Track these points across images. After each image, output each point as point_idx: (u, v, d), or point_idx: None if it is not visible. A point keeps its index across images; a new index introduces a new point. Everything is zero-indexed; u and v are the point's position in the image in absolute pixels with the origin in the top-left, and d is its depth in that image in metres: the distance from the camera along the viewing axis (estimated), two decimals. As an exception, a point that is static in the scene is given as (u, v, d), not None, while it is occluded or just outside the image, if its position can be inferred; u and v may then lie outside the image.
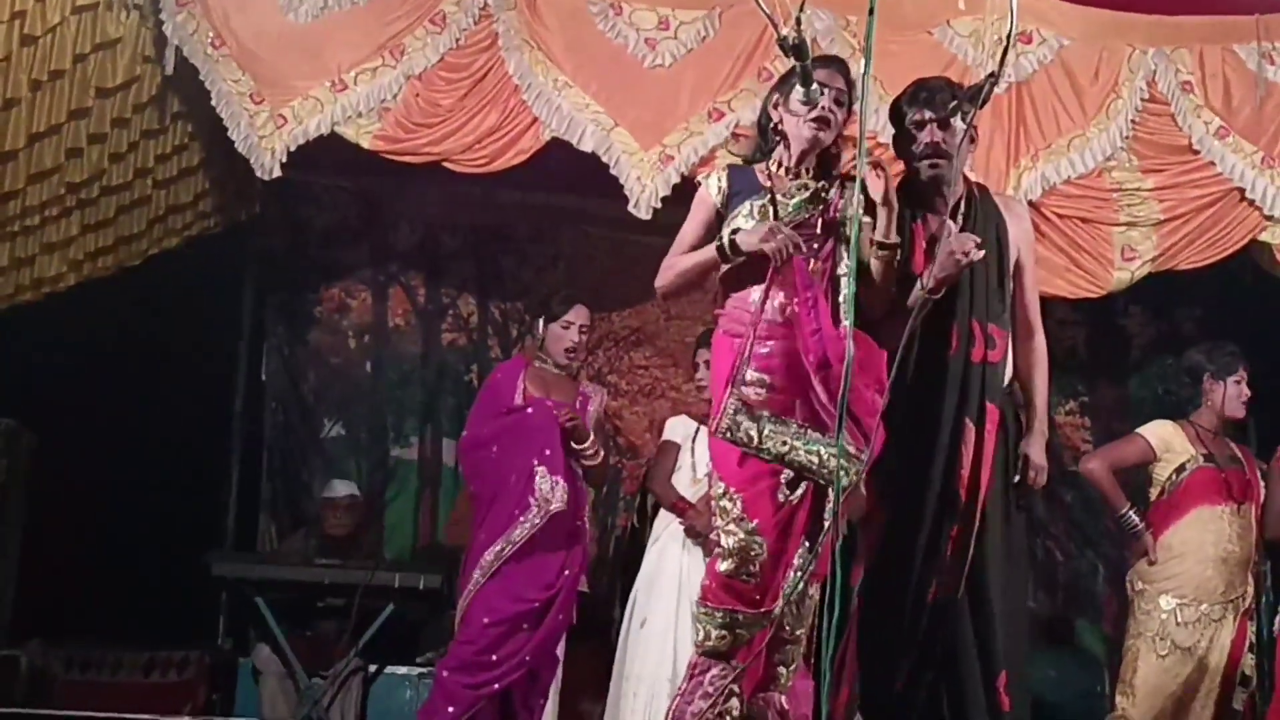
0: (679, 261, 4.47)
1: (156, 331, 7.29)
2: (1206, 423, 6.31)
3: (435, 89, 6.43)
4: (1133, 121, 6.70)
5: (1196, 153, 6.73)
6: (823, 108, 4.39)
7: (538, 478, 5.88)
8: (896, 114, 4.84)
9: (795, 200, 4.41)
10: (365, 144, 6.42)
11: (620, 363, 8.32)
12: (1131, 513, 6.12)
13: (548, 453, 5.92)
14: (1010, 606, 4.68)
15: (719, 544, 4.26)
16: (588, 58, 6.51)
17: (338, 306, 8.47)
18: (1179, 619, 6.09)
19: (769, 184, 4.43)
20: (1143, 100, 6.72)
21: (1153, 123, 6.74)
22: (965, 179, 4.81)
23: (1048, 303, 6.47)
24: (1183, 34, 6.81)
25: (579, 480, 6.02)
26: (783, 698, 4.32)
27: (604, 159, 6.38)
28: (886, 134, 6.26)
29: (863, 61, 4.14)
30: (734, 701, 4.27)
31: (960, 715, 4.55)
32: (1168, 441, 6.25)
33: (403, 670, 7.13)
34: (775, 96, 4.50)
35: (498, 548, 5.83)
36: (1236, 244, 6.78)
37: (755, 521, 4.21)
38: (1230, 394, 6.30)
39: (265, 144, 6.30)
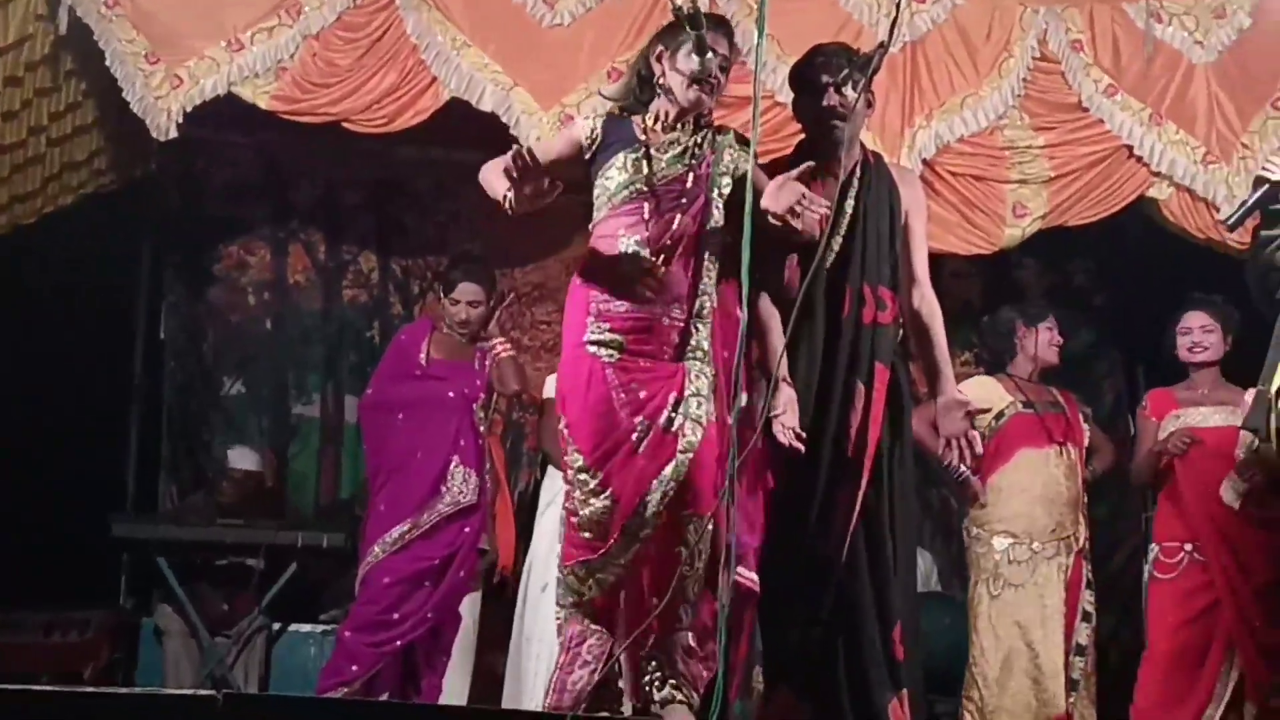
0: (489, 173, 4.43)
1: (52, 290, 7.21)
2: (1023, 372, 6.59)
3: (333, 49, 6.39)
4: (1024, 80, 6.77)
5: (1086, 110, 6.82)
6: (714, 76, 4.43)
7: (451, 468, 5.95)
8: (795, 78, 4.89)
9: (669, 155, 4.44)
10: (263, 104, 6.37)
11: (523, 318, 8.34)
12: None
13: (462, 443, 5.99)
14: (903, 559, 4.79)
15: (576, 513, 4.32)
16: (486, 17, 6.48)
17: (237, 264, 8.42)
18: (1011, 557, 6.31)
19: (643, 137, 4.45)
20: (1034, 59, 6.79)
21: (1044, 81, 6.83)
22: (861, 146, 4.87)
23: (941, 258, 6.63)
24: (1073, -8, 6.91)
25: (487, 461, 6.08)
26: (688, 635, 4.35)
27: (503, 119, 6.37)
28: (784, 94, 6.41)
29: (757, 21, 4.20)
30: (615, 668, 4.34)
31: (856, 667, 4.64)
32: (984, 397, 6.34)
33: (306, 628, 7.14)
34: (659, 49, 4.50)
35: (403, 528, 5.89)
36: (1125, 200, 6.88)
37: (610, 490, 4.27)
38: (1042, 340, 6.58)
39: (161, 104, 6.24)
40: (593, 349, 4.31)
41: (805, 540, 4.62)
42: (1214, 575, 6.18)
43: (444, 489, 5.96)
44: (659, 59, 4.49)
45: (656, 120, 4.48)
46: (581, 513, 4.30)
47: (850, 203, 4.73)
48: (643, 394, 4.29)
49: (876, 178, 4.81)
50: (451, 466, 5.98)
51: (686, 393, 4.30)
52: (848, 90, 4.70)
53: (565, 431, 4.37)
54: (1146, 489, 6.71)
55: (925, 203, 5.10)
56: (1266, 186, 4.76)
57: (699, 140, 4.48)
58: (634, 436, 4.28)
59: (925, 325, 4.85)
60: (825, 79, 4.74)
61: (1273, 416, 4.59)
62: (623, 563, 4.28)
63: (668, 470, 4.26)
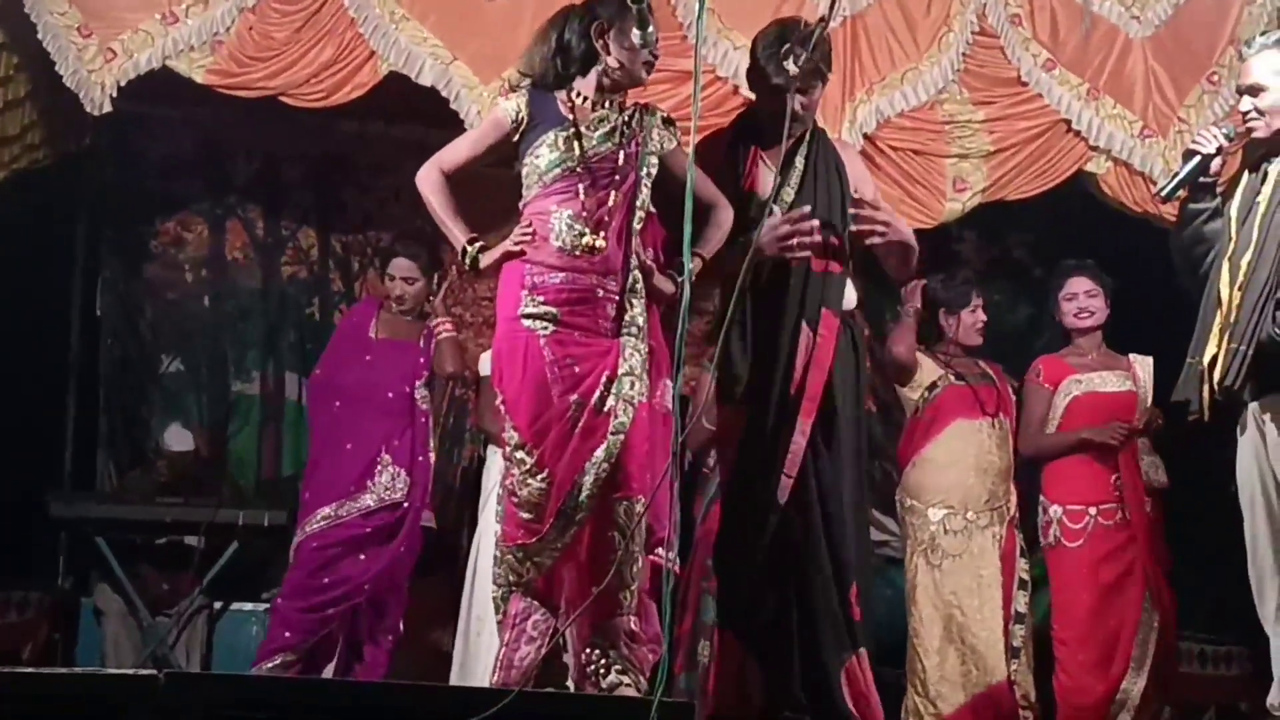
0: (436, 199, 4.49)
1: (-14, 267, 7.14)
2: (948, 351, 6.64)
3: (269, 22, 6.30)
4: (964, 54, 6.77)
5: (1025, 85, 6.85)
6: (652, 53, 4.44)
7: (379, 466, 5.94)
8: (755, 53, 4.98)
9: (600, 133, 4.45)
10: (198, 78, 6.28)
11: (465, 295, 8.31)
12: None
13: (396, 443, 5.98)
14: (858, 516, 4.94)
15: (515, 493, 4.34)
16: (425, -11, 6.46)
17: (174, 240, 8.34)
18: (947, 527, 6.36)
19: (571, 115, 4.45)
20: (973, 33, 6.79)
21: (983, 55, 6.84)
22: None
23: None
24: (1012, -33, 6.93)
25: (425, 452, 6.06)
26: (630, 619, 4.37)
27: (444, 93, 6.33)
28: (725, 68, 6.42)
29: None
30: (560, 643, 4.36)
31: (811, 627, 4.74)
32: (922, 363, 6.55)
33: (248, 607, 7.11)
34: (598, 23, 4.47)
35: (326, 511, 5.88)
36: (1064, 174, 6.93)
37: (547, 471, 4.29)
38: (965, 323, 6.63)
39: (95, 78, 6.14)
40: (527, 322, 4.33)
41: (753, 483, 4.76)
42: (1136, 532, 6.28)
43: (370, 484, 5.96)
44: (598, 34, 4.46)
45: (583, 98, 4.47)
46: (520, 493, 4.33)
47: (800, 160, 4.90)
48: (577, 369, 4.33)
49: (822, 143, 5.01)
50: (379, 466, 5.98)
51: (620, 371, 4.33)
52: (789, 64, 4.77)
53: (502, 408, 4.39)
54: (1035, 460, 6.71)
55: (868, 174, 5.20)
56: (1197, 159, 4.82)
57: (627, 119, 4.51)
58: (569, 415, 4.30)
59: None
60: (775, 53, 4.83)
61: (1205, 387, 4.65)
62: (559, 546, 4.31)
63: (599, 451, 4.29)
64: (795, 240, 4.69)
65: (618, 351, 4.36)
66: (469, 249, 4.43)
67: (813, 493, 4.77)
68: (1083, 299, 6.51)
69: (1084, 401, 6.44)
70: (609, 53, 4.46)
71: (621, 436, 4.30)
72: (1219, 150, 4.82)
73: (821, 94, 5.08)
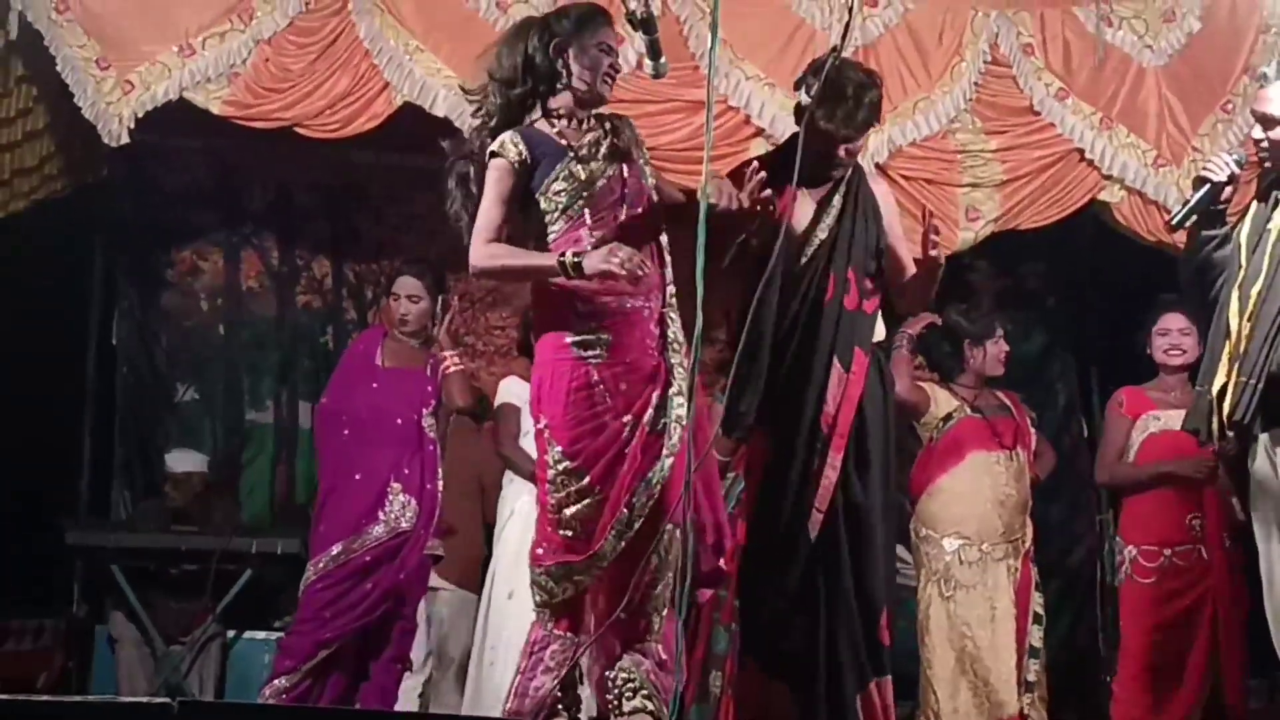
0: (507, 260, 4.36)
1: (4, 296, 7.16)
2: (969, 383, 6.57)
3: (285, 53, 6.38)
4: (976, 84, 6.83)
5: (1038, 114, 6.90)
6: (611, 66, 4.44)
7: (390, 495, 5.94)
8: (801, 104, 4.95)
9: (602, 154, 4.42)
10: (215, 110, 6.36)
11: (476, 324, 8.34)
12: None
13: (406, 471, 5.98)
14: (887, 545, 4.99)
15: (556, 512, 4.30)
16: (439, 21, 6.49)
17: (190, 269, 8.37)
18: (962, 558, 6.32)
19: (564, 142, 4.42)
20: (985, 63, 6.86)
21: (995, 85, 6.89)
22: None
23: (894, 262, 6.65)
24: (1024, -4, 6.97)
25: (434, 480, 6.08)
26: (659, 647, 4.35)
27: (457, 124, 6.34)
28: (736, 98, 6.45)
29: (711, 25, 4.22)
30: (577, 675, 4.35)
31: (834, 655, 4.76)
32: (935, 395, 6.52)
33: (261, 635, 7.10)
34: (557, 41, 4.42)
35: (335, 551, 5.87)
36: (1077, 203, 6.96)
37: (599, 490, 4.27)
38: (990, 355, 6.56)
39: (112, 110, 6.22)
40: (576, 349, 4.30)
41: (781, 517, 4.77)
42: (1205, 572, 6.19)
43: (381, 515, 5.94)
44: (558, 51, 4.43)
45: (567, 120, 4.46)
46: (565, 512, 4.27)
47: (838, 197, 4.91)
48: (629, 391, 4.30)
49: (860, 179, 5.02)
50: (390, 494, 5.97)
51: (670, 390, 4.32)
52: (801, 94, 4.80)
53: (545, 432, 4.35)
54: (1112, 490, 6.68)
55: (894, 204, 5.23)
56: (1208, 187, 4.81)
57: (611, 131, 4.49)
58: (623, 436, 4.28)
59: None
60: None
61: (1214, 417, 4.64)
62: (604, 565, 4.28)
63: (654, 472, 4.26)
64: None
65: (665, 369, 4.35)
66: (564, 260, 4.24)
67: (841, 525, 4.79)
68: (1175, 336, 6.33)
69: (1160, 440, 6.32)
70: (570, 71, 4.45)
71: (673, 459, 4.28)
72: (1231, 178, 4.78)
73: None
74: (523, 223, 4.47)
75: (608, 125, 4.50)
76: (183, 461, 7.54)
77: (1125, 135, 6.89)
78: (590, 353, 4.30)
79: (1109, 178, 6.91)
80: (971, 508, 6.37)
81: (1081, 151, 6.88)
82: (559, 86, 4.45)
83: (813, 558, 4.77)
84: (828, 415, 4.80)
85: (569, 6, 4.56)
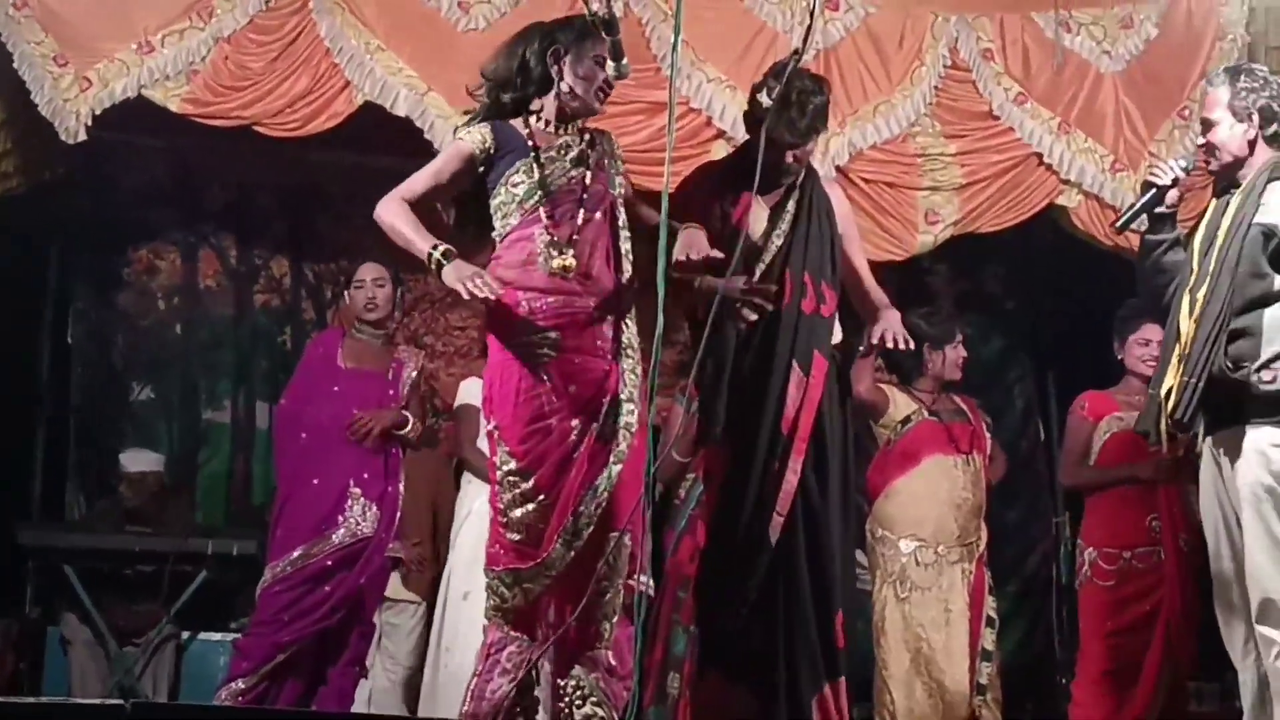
0: (400, 222, 4.34)
1: (-42, 295, 7.13)
2: (927, 388, 6.57)
3: (245, 52, 6.33)
4: (936, 88, 6.87)
5: (997, 118, 6.95)
6: (607, 79, 4.45)
7: (350, 500, 5.92)
8: (755, 101, 5.00)
9: (569, 157, 4.45)
10: (173, 107, 6.30)
11: (436, 324, 8.32)
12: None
13: (366, 476, 5.95)
14: (845, 547, 5.02)
15: (505, 514, 4.31)
16: (400, 21, 6.46)
17: (146, 268, 8.31)
18: (918, 560, 6.34)
19: (532, 142, 4.44)
20: (945, 67, 6.90)
21: (955, 89, 6.93)
22: None
23: (854, 265, 6.67)
24: (984, 2, 7.00)
25: (395, 483, 6.06)
26: (609, 654, 4.36)
27: (418, 123, 6.35)
28: (699, 100, 6.46)
29: (673, 27, 4.22)
30: (534, 677, 4.34)
31: (793, 654, 4.78)
32: (894, 397, 6.52)
33: (216, 636, 7.05)
34: (555, 48, 4.46)
35: (294, 555, 5.85)
36: (1035, 207, 7.01)
37: (545, 495, 4.27)
38: (950, 359, 6.56)
39: (70, 107, 6.15)
40: (525, 349, 4.30)
41: (742, 521, 4.79)
42: (1161, 576, 6.21)
43: (340, 520, 5.92)
44: (554, 59, 4.47)
45: (545, 122, 4.48)
46: (512, 514, 4.29)
47: (792, 203, 4.95)
48: (578, 395, 4.30)
49: (814, 184, 5.04)
50: (350, 499, 5.94)
51: (621, 395, 4.32)
52: (762, 96, 4.81)
53: (495, 434, 4.35)
54: (1072, 491, 6.71)
55: (849, 208, 5.25)
56: (1154, 191, 4.86)
57: (588, 141, 4.52)
58: (570, 440, 4.28)
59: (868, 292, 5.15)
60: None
61: (1163, 419, 4.68)
62: (553, 573, 4.28)
63: (601, 479, 4.27)
64: (744, 303, 4.69)
65: (617, 374, 4.36)
66: (433, 253, 4.27)
67: (800, 528, 4.80)
68: (1155, 347, 6.18)
69: (1120, 440, 6.33)
70: (562, 78, 4.46)
71: (620, 465, 4.30)
72: (1175, 181, 4.85)
73: (814, 147, 5.10)
74: (466, 217, 4.54)
75: (586, 136, 4.53)
76: (138, 461, 7.47)
77: (1083, 140, 6.93)
78: (538, 353, 4.30)
79: (1067, 182, 6.96)
80: (928, 510, 6.39)
81: (1040, 156, 6.93)
82: (549, 93, 4.48)
83: (773, 561, 4.78)
84: (788, 419, 4.82)
85: (574, 17, 4.61)
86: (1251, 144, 4.73)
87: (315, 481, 5.94)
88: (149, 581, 6.86)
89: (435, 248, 4.25)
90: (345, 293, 6.26)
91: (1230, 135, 4.74)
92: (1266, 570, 4.49)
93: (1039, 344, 8.79)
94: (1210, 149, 4.78)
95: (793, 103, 4.79)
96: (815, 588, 4.81)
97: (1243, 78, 4.79)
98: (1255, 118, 4.72)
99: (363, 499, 5.96)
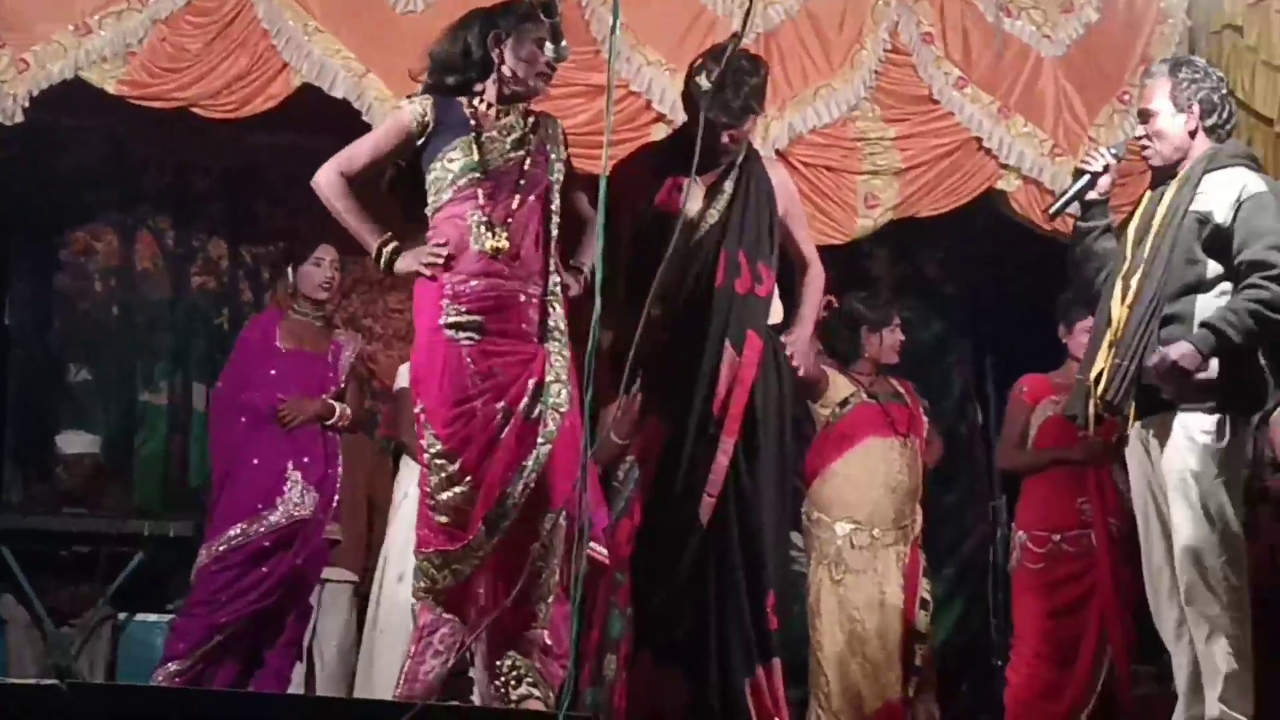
0: (341, 203, 4.46)
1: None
2: (865, 370, 6.61)
3: (182, 33, 6.26)
4: (876, 72, 6.86)
5: (936, 103, 6.94)
6: (548, 63, 4.46)
7: (289, 482, 5.89)
8: (693, 83, 5.02)
9: (510, 139, 4.47)
10: (110, 89, 6.23)
11: (375, 306, 8.30)
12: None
13: (306, 460, 5.94)
14: (779, 529, 5.02)
15: (433, 497, 4.32)
16: (338, 3, 6.40)
17: (84, 250, 8.25)
18: (853, 543, 6.38)
19: (474, 122, 4.46)
20: (886, 51, 6.89)
21: (895, 73, 6.92)
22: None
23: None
24: (925, -15, 7.01)
25: (334, 466, 6.04)
26: (545, 634, 4.38)
27: (356, 105, 6.32)
28: (638, 83, 6.46)
29: (612, 9, 4.22)
30: (468, 657, 4.35)
31: (726, 636, 4.80)
32: (834, 379, 6.55)
33: (153, 618, 7.01)
34: (495, 33, 4.49)
35: (232, 535, 5.82)
36: (974, 192, 7.01)
37: (471, 478, 4.29)
38: (888, 342, 6.61)
39: (6, 89, 6.07)
40: (450, 332, 4.32)
41: (674, 502, 4.81)
42: (1094, 559, 6.26)
43: (279, 502, 5.90)
44: (496, 41, 4.48)
45: (487, 104, 4.48)
46: (439, 497, 4.31)
47: (729, 182, 4.97)
48: (503, 378, 4.32)
49: (755, 166, 5.07)
50: (289, 482, 5.92)
51: (547, 378, 4.33)
52: (702, 79, 4.82)
53: (422, 416, 4.36)
54: (1009, 474, 6.76)
55: (794, 189, 5.26)
56: (1086, 177, 4.93)
57: (531, 126, 4.54)
58: (495, 422, 4.29)
59: (804, 291, 5.16)
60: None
61: (1091, 403, 4.73)
62: (481, 555, 4.29)
63: (529, 460, 4.29)
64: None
65: (544, 357, 4.37)
66: (384, 250, 4.39)
67: (732, 510, 4.81)
68: None
69: (1056, 422, 6.34)
70: (504, 62, 4.47)
71: (549, 446, 4.31)
72: (1106, 168, 4.92)
73: (753, 127, 5.11)
74: (399, 187, 4.58)
75: (530, 120, 4.55)
76: (74, 443, 7.44)
77: (1023, 125, 6.95)
78: (462, 335, 4.31)
79: (1006, 166, 6.97)
80: (864, 493, 6.42)
81: (980, 140, 6.94)
82: (490, 77, 4.50)
83: (704, 543, 4.78)
84: (719, 399, 4.82)
85: (514, 1, 4.59)
86: (1192, 134, 4.78)
87: (255, 462, 5.92)
88: (86, 563, 6.83)
89: (385, 244, 4.35)
90: (292, 269, 6.16)
91: (1170, 126, 4.79)
92: (1194, 554, 4.55)
93: (978, 328, 8.83)
94: (1150, 139, 4.82)
95: (728, 83, 4.80)
96: (747, 569, 4.82)
97: (1183, 69, 4.84)
98: (1196, 109, 4.78)
99: (301, 482, 5.94)
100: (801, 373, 5.17)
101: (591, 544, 4.42)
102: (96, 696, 3.95)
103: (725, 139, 4.88)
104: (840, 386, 6.53)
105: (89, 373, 8.16)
